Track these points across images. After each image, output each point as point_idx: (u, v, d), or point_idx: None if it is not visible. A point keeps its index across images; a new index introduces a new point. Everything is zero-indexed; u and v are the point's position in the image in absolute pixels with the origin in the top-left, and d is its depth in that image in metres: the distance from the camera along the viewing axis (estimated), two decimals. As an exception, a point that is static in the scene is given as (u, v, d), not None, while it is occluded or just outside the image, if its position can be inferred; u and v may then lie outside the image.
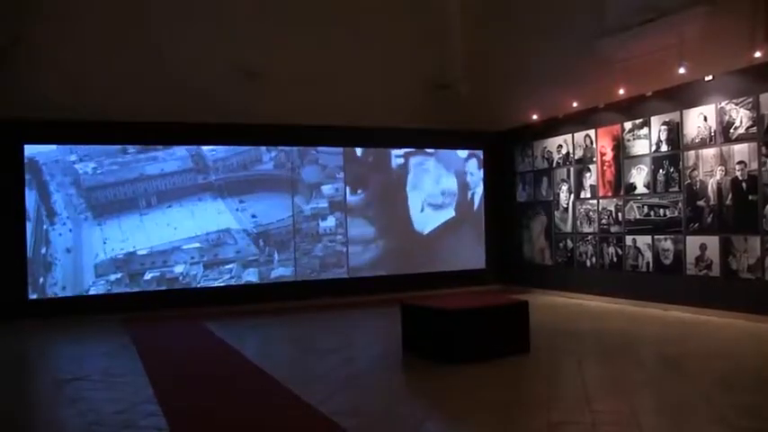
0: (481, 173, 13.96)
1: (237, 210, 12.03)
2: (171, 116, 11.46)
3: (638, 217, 10.74)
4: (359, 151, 13.04)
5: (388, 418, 5.13)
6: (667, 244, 10.19)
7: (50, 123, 10.93)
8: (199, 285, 11.65)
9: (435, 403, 5.66)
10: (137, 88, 11.11)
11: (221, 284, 11.79)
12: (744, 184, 9.05)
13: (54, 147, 10.98)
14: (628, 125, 10.90)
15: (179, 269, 11.56)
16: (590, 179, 11.73)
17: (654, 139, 10.42)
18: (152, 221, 11.46)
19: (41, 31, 10.55)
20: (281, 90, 12.31)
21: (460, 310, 7.02)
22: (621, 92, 10.75)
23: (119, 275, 11.21)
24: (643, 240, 10.63)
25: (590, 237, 11.74)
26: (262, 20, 12.35)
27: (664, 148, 10.25)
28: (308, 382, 6.42)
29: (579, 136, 11.95)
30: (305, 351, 8.48)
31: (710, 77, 9.47)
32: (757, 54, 8.78)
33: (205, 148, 11.96)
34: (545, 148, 12.83)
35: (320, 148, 12.72)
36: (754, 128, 8.91)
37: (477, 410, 5.29)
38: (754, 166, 8.90)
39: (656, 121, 10.39)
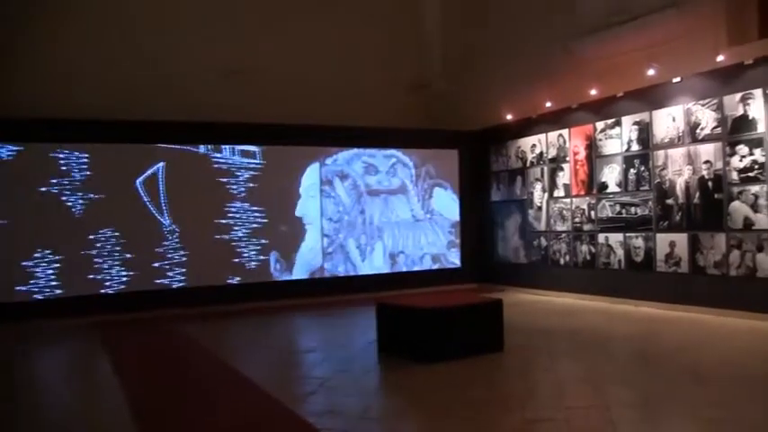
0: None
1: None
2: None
3: (610, 215, 10.95)
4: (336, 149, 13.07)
5: (364, 419, 5.18)
6: (638, 241, 10.42)
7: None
8: (175, 287, 11.61)
9: (411, 402, 5.73)
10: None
11: (195, 285, 11.77)
12: (710, 183, 9.30)
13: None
14: (600, 125, 11.11)
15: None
16: (563, 178, 11.93)
17: (625, 139, 10.64)
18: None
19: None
20: (257, 89, 12.39)
21: (435, 309, 7.10)
22: (594, 92, 10.97)
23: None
24: (615, 238, 10.85)
25: (563, 235, 11.95)
26: (237, 18, 12.45)
27: (634, 147, 10.47)
28: (284, 383, 6.47)
29: (553, 135, 12.14)
30: (280, 352, 8.52)
31: (678, 79, 9.71)
32: (720, 58, 9.07)
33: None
34: (519, 147, 13.01)
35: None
36: (719, 128, 9.16)
37: (452, 409, 5.37)
38: (720, 165, 9.15)
39: (627, 121, 10.60)
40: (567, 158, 11.81)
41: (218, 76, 12.32)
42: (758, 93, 8.69)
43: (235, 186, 12.06)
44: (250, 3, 12.79)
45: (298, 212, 12.60)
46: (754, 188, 8.72)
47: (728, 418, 4.80)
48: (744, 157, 8.84)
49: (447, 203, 14.13)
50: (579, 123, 11.55)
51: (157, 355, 8.24)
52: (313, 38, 13.12)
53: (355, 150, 13.17)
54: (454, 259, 14.16)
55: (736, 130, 8.96)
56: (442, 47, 14.63)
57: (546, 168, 12.33)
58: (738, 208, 8.92)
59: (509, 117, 12.96)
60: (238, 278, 12.02)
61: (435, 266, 13.92)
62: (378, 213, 13.38)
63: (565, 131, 11.86)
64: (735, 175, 8.97)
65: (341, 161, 13.05)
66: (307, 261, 12.67)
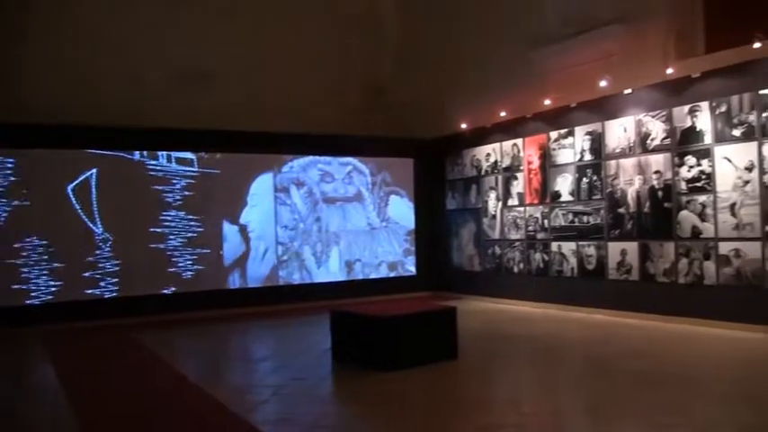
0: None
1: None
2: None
3: (563, 224, 11.11)
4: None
5: (318, 427, 5.15)
6: (590, 250, 10.58)
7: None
8: (128, 294, 11.37)
9: (365, 411, 5.71)
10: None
11: (148, 293, 11.55)
12: (660, 193, 9.51)
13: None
14: (553, 135, 11.27)
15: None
16: (517, 187, 12.07)
17: (578, 149, 10.82)
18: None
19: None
20: (207, 95, 12.23)
21: (389, 317, 7.10)
22: (548, 103, 11.13)
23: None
24: (568, 246, 11.01)
25: (517, 243, 12.07)
26: (186, 22, 12.28)
27: (587, 157, 10.66)
28: (236, 392, 6.41)
29: (507, 145, 12.28)
30: (233, 360, 8.45)
31: (629, 91, 9.92)
32: (670, 71, 9.31)
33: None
34: (474, 156, 13.12)
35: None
36: (668, 139, 9.39)
37: (406, 417, 5.38)
38: (669, 175, 9.37)
39: (579, 131, 10.79)
40: (521, 167, 11.95)
41: (167, 81, 12.11)
42: (705, 105, 8.93)
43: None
44: (199, 7, 12.61)
45: (245, 220, 12.43)
46: (702, 198, 8.95)
47: (679, 423, 4.89)
48: (692, 167, 9.07)
49: (403, 211, 14.17)
50: (533, 133, 11.71)
51: (103, 365, 8.05)
52: (269, 44, 13.04)
53: (311, 158, 13.12)
54: (410, 267, 14.20)
55: (684, 142, 9.19)
56: (400, 55, 14.71)
57: (500, 177, 12.46)
58: (687, 217, 9.14)
59: (464, 126, 13.06)
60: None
61: (391, 274, 13.93)
62: (334, 221, 13.34)
63: (519, 141, 12.00)
64: (683, 185, 9.19)
65: (297, 168, 12.98)
66: (258, 269, 12.54)
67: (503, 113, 12.15)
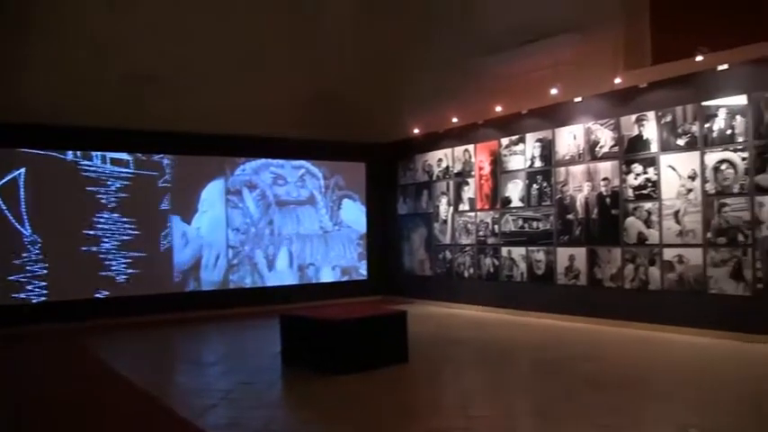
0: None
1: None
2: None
3: (513, 229, 11.25)
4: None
5: (267, 431, 5.12)
6: (540, 255, 10.74)
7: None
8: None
9: (314, 415, 5.70)
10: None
11: (98, 296, 11.27)
12: (608, 200, 9.71)
13: None
14: (505, 141, 11.41)
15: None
16: (468, 192, 12.18)
17: (528, 155, 10.97)
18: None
19: None
20: (159, 97, 11.99)
21: (339, 321, 7.09)
22: (499, 109, 11.26)
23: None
24: (518, 252, 11.14)
25: (468, 248, 12.17)
26: (132, 20, 11.99)
27: (537, 163, 10.81)
28: (185, 397, 6.34)
29: (459, 150, 12.38)
30: (182, 364, 8.32)
31: (579, 99, 10.11)
32: (618, 80, 9.53)
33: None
34: (426, 161, 13.20)
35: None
36: (616, 147, 9.60)
37: (356, 421, 5.38)
38: (617, 182, 9.57)
39: (530, 138, 10.94)
40: (473, 173, 12.07)
41: (113, 79, 11.81)
42: (651, 115, 9.16)
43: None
44: (148, 6, 12.33)
45: (195, 223, 12.24)
46: (648, 205, 9.17)
47: (624, 424, 5.01)
48: (638, 175, 9.29)
49: (356, 215, 14.17)
50: (485, 139, 11.83)
51: (45, 370, 7.84)
52: (220, 46, 12.86)
53: (263, 160, 13.02)
54: (362, 271, 14.19)
55: (631, 150, 9.41)
56: (353, 59, 14.69)
57: (452, 182, 12.55)
58: (633, 223, 9.35)
59: (416, 131, 13.13)
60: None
61: (343, 278, 13.90)
62: (286, 224, 13.25)
63: (471, 147, 12.11)
64: (630, 193, 9.40)
65: (249, 171, 12.85)
66: (209, 273, 12.37)
67: (455, 119, 12.25)
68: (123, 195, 11.56)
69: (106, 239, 11.38)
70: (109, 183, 11.46)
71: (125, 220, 11.54)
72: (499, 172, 11.52)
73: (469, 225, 12.13)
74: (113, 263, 11.41)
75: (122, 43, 11.66)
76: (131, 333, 10.44)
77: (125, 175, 11.60)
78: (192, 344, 9.82)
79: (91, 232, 11.28)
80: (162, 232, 11.90)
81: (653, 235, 9.11)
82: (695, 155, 8.64)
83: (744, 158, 8.15)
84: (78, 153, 11.25)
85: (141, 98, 11.61)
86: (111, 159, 11.51)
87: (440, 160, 12.84)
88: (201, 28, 12.50)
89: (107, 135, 11.46)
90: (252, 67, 12.98)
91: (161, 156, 11.95)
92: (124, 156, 11.63)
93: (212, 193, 12.45)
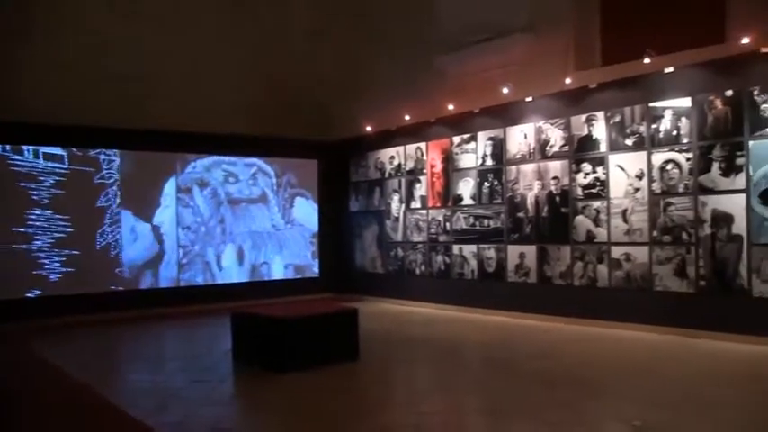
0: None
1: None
2: None
3: (464, 227, 11.33)
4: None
5: (217, 429, 5.08)
6: (491, 253, 10.84)
7: None
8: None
9: (265, 413, 5.67)
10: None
11: (41, 294, 10.94)
12: (557, 198, 9.86)
13: None
14: (456, 139, 11.49)
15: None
16: (420, 190, 12.22)
17: (480, 154, 11.06)
18: None
19: None
20: (112, 92, 11.72)
21: (290, 318, 7.07)
22: (451, 108, 11.33)
23: None
24: (469, 249, 11.23)
25: (419, 246, 12.22)
26: (84, 13, 11.70)
27: (489, 162, 10.91)
28: (134, 395, 6.24)
29: (411, 148, 12.42)
30: (131, 363, 8.17)
31: (530, 99, 10.24)
32: (568, 81, 9.68)
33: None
34: (378, 158, 13.20)
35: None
36: (566, 147, 9.75)
37: (306, 419, 5.37)
38: (566, 181, 9.73)
39: (482, 136, 11.04)
40: (425, 171, 12.12)
41: (57, 73, 11.48)
42: (601, 115, 9.33)
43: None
44: (94, 3, 12.00)
45: (142, 220, 11.99)
46: (596, 204, 9.34)
47: (572, 420, 5.10)
48: (588, 174, 9.45)
49: (308, 213, 14.10)
50: (437, 137, 11.89)
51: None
52: (172, 42, 12.63)
53: (215, 158, 12.84)
54: (315, 269, 14.11)
55: (581, 149, 9.57)
56: (305, 56, 14.60)
57: (404, 180, 12.59)
58: (582, 222, 9.51)
59: (369, 128, 13.12)
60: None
61: (296, 276, 13.82)
62: (238, 222, 13.10)
63: (423, 144, 12.16)
64: (579, 191, 9.56)
65: (200, 169, 12.66)
66: (158, 271, 12.15)
67: (407, 117, 12.28)
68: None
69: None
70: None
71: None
72: (451, 170, 11.59)
73: (421, 223, 12.18)
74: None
75: (63, 37, 11.36)
76: (77, 333, 10.17)
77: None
78: (141, 342, 9.63)
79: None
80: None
81: (601, 233, 9.28)
82: (642, 155, 8.83)
83: (688, 159, 8.37)
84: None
85: (88, 93, 11.34)
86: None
87: (392, 158, 12.86)
88: (153, 25, 12.26)
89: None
90: (204, 63, 12.80)
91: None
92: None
93: (162, 189, 12.24)
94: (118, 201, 11.73)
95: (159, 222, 12.20)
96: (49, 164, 11.11)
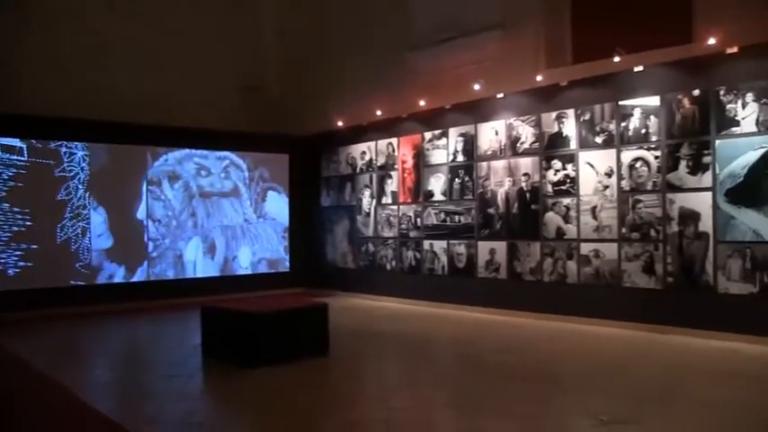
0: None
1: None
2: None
3: (435, 223, 11.36)
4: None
5: (186, 424, 5.05)
6: (461, 248, 10.88)
7: None
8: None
9: (234, 407, 5.65)
10: None
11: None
12: (528, 195, 9.92)
13: None
14: (428, 135, 11.50)
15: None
16: (391, 185, 12.22)
17: (451, 150, 11.09)
18: None
19: None
20: (76, 82, 11.54)
21: (260, 313, 7.04)
22: (423, 103, 11.34)
23: None
24: (439, 245, 11.26)
25: (390, 241, 12.23)
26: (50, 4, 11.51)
27: (460, 158, 10.95)
28: (102, 390, 6.19)
29: (382, 143, 12.41)
30: (99, 357, 8.07)
31: (502, 95, 10.29)
32: (539, 78, 9.75)
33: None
34: (349, 154, 13.17)
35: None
36: (537, 143, 9.82)
37: (276, 414, 5.35)
38: (537, 178, 9.80)
39: (453, 132, 11.06)
40: (396, 166, 12.12)
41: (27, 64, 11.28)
42: (571, 112, 9.41)
43: None
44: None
45: (111, 212, 11.84)
46: (566, 200, 9.42)
47: (540, 414, 5.17)
48: (558, 171, 9.53)
49: (280, 207, 14.03)
50: (408, 133, 11.89)
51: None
52: (144, 35, 12.47)
53: (187, 151, 12.70)
54: (287, 263, 14.05)
55: (551, 146, 9.64)
56: (278, 50, 14.54)
57: (375, 175, 12.57)
58: (552, 218, 9.59)
59: (340, 123, 13.09)
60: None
61: (267, 270, 13.75)
62: (209, 216, 12.99)
63: (394, 140, 12.16)
64: (549, 188, 9.63)
65: (171, 161, 12.50)
66: (134, 264, 11.99)
67: (379, 112, 12.27)
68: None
69: None
70: None
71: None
72: (422, 166, 11.61)
73: (392, 218, 12.19)
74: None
75: (35, 29, 11.16)
76: (41, 328, 10.02)
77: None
78: (108, 337, 9.52)
79: None
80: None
81: (571, 230, 9.37)
82: (612, 152, 8.92)
83: (657, 157, 8.48)
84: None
85: (52, 83, 11.14)
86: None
87: (363, 153, 12.84)
88: (125, 17, 12.10)
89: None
90: (175, 57, 12.67)
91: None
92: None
93: (133, 181, 12.10)
94: (81, 193, 11.52)
95: (128, 215, 12.04)
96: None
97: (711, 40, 7.95)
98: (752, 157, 7.65)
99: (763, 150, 7.56)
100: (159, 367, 7.10)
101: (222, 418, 5.40)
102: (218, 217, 13.14)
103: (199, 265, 12.88)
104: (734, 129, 7.81)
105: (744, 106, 7.73)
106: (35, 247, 11.03)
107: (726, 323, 7.80)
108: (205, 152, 12.99)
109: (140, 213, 12.16)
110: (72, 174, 11.46)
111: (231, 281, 13.09)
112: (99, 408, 5.41)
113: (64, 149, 11.40)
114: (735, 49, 7.79)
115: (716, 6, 8.21)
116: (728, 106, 7.85)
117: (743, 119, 7.74)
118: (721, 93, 7.91)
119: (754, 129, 7.64)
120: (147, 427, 4.95)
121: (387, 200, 12.33)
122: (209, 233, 13.00)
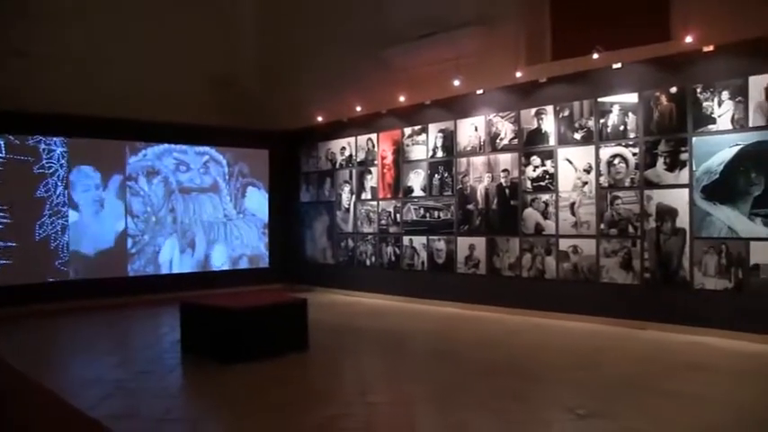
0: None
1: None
2: None
3: (414, 218, 11.37)
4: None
5: (165, 420, 5.03)
6: (441, 244, 10.91)
7: None
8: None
9: (213, 404, 5.64)
10: None
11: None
12: (507, 190, 9.97)
13: None
14: (407, 131, 11.50)
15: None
16: (371, 181, 12.22)
17: (431, 146, 11.10)
18: None
19: None
20: (52, 75, 11.39)
21: (239, 309, 7.02)
22: (402, 99, 11.34)
23: None
24: (419, 240, 11.28)
25: (370, 237, 12.22)
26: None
27: (439, 154, 10.96)
28: (79, 386, 6.13)
29: (362, 139, 12.39)
30: (77, 353, 7.99)
31: (481, 91, 10.31)
32: (519, 74, 9.79)
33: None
34: (329, 149, 13.14)
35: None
36: (516, 140, 9.86)
37: (255, 410, 5.34)
38: (516, 173, 9.84)
39: (433, 128, 11.08)
40: (376, 162, 12.11)
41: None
42: (550, 109, 9.46)
43: None
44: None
45: (91, 208, 11.70)
46: (545, 196, 9.47)
47: (517, 408, 5.20)
48: (537, 167, 9.58)
49: (260, 203, 13.96)
50: (388, 128, 11.89)
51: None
52: (122, 29, 12.35)
53: (166, 146, 12.59)
54: (266, 259, 14.00)
55: (530, 142, 9.69)
56: (255, 45, 14.47)
57: (354, 171, 12.56)
58: (531, 214, 9.64)
59: (320, 119, 13.05)
60: None
61: (246, 266, 13.68)
62: (189, 211, 12.88)
63: (374, 136, 12.15)
64: (528, 184, 9.68)
65: (151, 156, 12.38)
66: (106, 260, 11.87)
67: (358, 108, 12.25)
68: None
69: None
70: None
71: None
72: (402, 161, 11.61)
73: (371, 214, 12.18)
74: None
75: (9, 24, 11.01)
76: (19, 325, 9.90)
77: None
78: (86, 333, 9.43)
79: None
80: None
81: (549, 226, 9.42)
82: (590, 149, 8.99)
83: (635, 154, 8.55)
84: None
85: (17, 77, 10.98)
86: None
87: (343, 149, 12.81)
88: (103, 11, 11.97)
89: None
90: (154, 51, 12.56)
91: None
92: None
93: (110, 177, 11.95)
94: (60, 190, 11.38)
95: (107, 211, 11.90)
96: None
97: (688, 39, 8.03)
98: (727, 154, 7.74)
99: (738, 148, 7.66)
100: (138, 363, 7.05)
101: (201, 414, 5.37)
102: (198, 212, 13.05)
103: (178, 261, 12.78)
104: (710, 126, 7.89)
105: (720, 104, 7.82)
106: (13, 244, 10.88)
107: (702, 318, 7.89)
108: (184, 147, 12.88)
109: (119, 209, 12.02)
110: (52, 170, 11.31)
111: (210, 277, 13.00)
112: (76, 404, 5.36)
113: (42, 146, 11.23)
114: (711, 48, 7.87)
115: (693, 5, 8.29)
116: (705, 104, 7.94)
117: (719, 116, 7.83)
118: (698, 90, 7.99)
119: (730, 126, 7.74)
120: (125, 423, 4.92)
121: (366, 195, 12.32)
122: (188, 229, 12.90)
